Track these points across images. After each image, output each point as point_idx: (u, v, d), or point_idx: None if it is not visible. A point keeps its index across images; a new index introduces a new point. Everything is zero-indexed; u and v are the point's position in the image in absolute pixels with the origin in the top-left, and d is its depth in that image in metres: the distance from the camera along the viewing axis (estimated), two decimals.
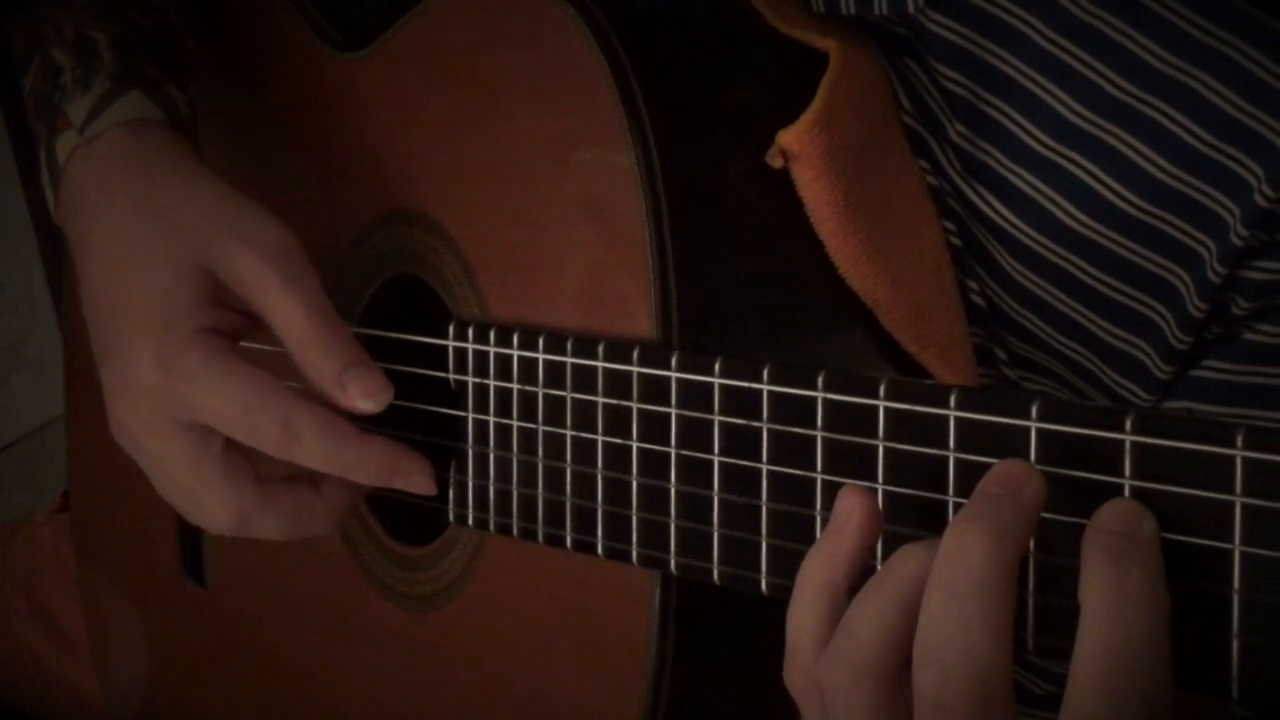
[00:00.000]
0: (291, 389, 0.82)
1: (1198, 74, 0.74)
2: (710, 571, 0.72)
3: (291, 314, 0.82)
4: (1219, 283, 0.74)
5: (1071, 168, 0.76)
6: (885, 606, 0.59)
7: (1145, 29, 0.74)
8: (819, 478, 0.68)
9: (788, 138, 0.76)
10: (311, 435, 0.81)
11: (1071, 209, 0.77)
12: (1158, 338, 0.77)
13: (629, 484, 0.75)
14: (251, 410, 0.81)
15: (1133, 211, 0.75)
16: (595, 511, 0.77)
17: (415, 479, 0.84)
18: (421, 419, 0.87)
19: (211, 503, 0.83)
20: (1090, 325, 0.79)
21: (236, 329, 0.85)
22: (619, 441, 0.76)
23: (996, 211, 0.79)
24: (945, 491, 0.63)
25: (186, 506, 0.85)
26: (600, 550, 0.77)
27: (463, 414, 0.84)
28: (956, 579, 0.56)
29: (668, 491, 0.74)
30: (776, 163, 0.77)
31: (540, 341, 0.79)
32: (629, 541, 0.76)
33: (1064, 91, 0.76)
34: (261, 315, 0.83)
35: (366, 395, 0.82)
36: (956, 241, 0.82)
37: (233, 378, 0.81)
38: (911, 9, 0.78)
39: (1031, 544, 0.61)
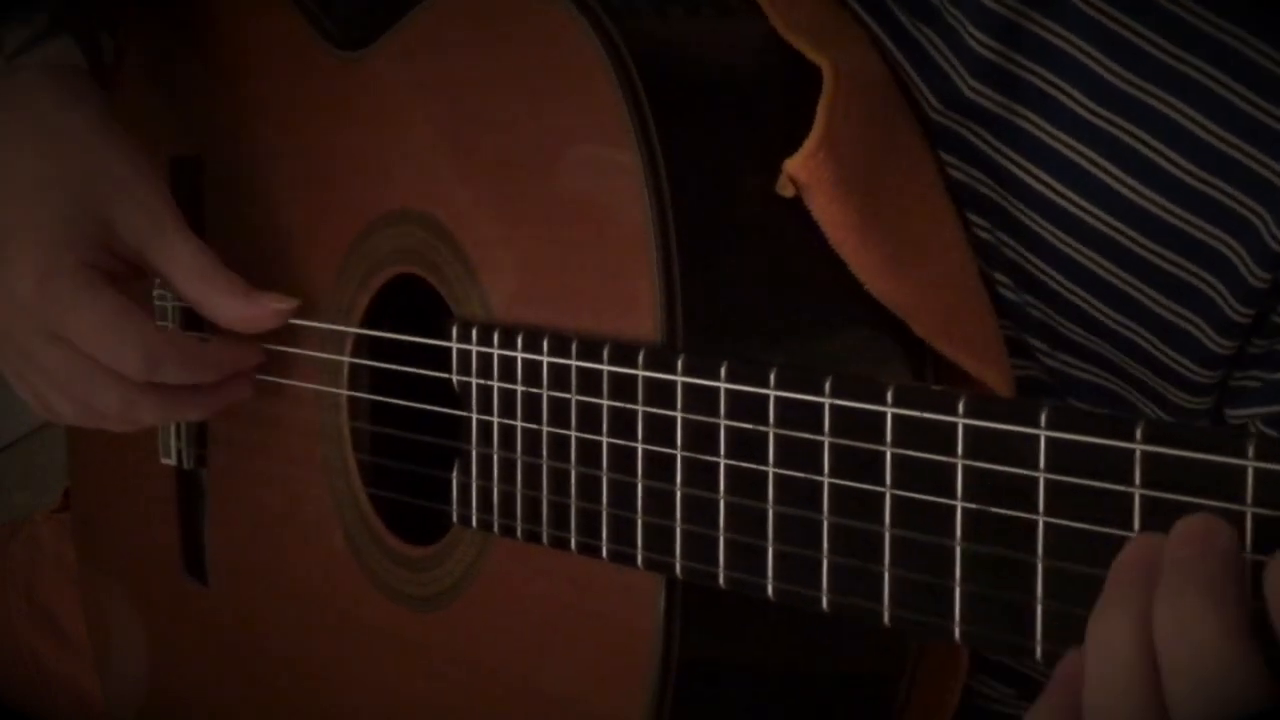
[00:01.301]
0: (152, 322, 0.92)
1: (1246, 37, 0.73)
2: (716, 576, 0.72)
3: (187, 256, 0.92)
4: None
5: (1121, 135, 0.75)
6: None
7: None
8: (825, 482, 0.68)
9: (794, 166, 0.76)
10: (173, 361, 0.91)
11: (1122, 175, 0.76)
12: (1209, 309, 0.76)
13: (634, 487, 0.75)
14: (117, 337, 0.89)
15: (1185, 179, 0.75)
16: (600, 514, 0.77)
17: (242, 388, 0.96)
18: (425, 419, 0.87)
19: (100, 396, 0.92)
20: (1141, 297, 0.78)
21: (117, 275, 0.92)
22: (624, 444, 0.75)
23: (1042, 181, 0.78)
24: (953, 497, 0.63)
25: (70, 401, 0.94)
26: (605, 553, 0.77)
27: (466, 414, 0.84)
28: (1195, 663, 0.53)
29: (673, 495, 0.73)
30: (787, 192, 0.76)
31: (544, 344, 0.79)
32: (634, 545, 0.75)
33: (1110, 58, 0.75)
34: (156, 265, 0.92)
35: (276, 300, 0.93)
36: (985, 235, 0.81)
37: (103, 306, 0.90)
38: None
39: (1040, 549, 0.60)
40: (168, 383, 0.91)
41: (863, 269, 0.77)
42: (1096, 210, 0.77)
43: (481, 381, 0.82)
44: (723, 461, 0.71)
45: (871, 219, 0.76)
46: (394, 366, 0.90)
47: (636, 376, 0.74)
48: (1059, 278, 0.79)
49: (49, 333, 0.90)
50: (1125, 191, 0.76)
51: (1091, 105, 0.76)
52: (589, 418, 0.77)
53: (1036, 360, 0.83)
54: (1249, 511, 0.55)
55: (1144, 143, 0.75)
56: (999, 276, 0.81)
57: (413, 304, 0.90)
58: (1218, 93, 0.74)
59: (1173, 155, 0.75)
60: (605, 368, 0.76)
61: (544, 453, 0.79)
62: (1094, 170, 0.76)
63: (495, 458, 0.82)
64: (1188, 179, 0.75)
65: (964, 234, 0.80)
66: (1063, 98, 0.77)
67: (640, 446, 0.75)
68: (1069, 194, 0.77)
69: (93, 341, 0.89)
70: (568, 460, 0.78)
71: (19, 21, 0.94)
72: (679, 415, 0.73)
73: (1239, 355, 0.77)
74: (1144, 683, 0.54)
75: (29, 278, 0.90)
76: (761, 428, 0.70)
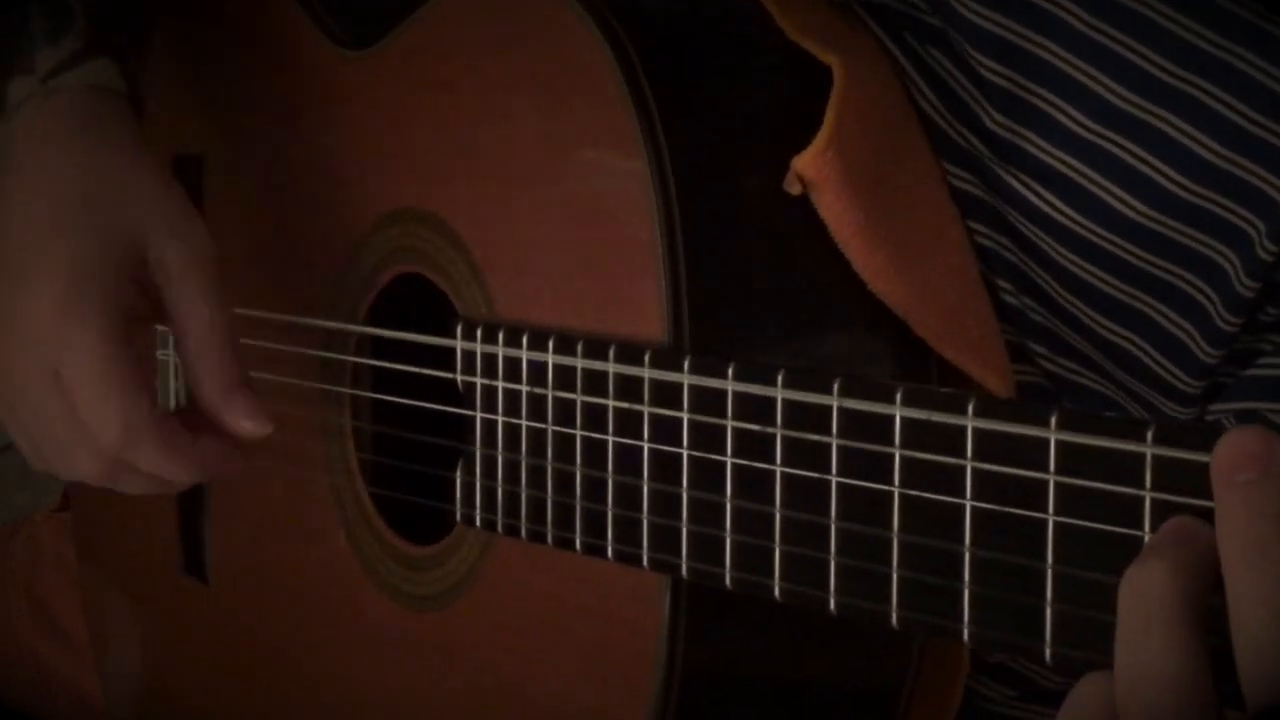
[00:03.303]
0: (149, 398, 0.86)
1: (1244, 53, 0.73)
2: (723, 577, 0.72)
3: (203, 319, 0.87)
4: (1270, 261, 0.74)
5: (1119, 152, 0.76)
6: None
7: (1189, 11, 0.74)
8: (834, 483, 0.68)
9: (802, 164, 0.76)
10: (150, 446, 0.86)
11: (1121, 193, 0.76)
12: (1203, 318, 0.77)
13: (640, 488, 0.75)
14: (105, 401, 0.84)
15: (1182, 194, 0.75)
16: (605, 515, 0.77)
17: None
18: (428, 418, 0.87)
19: (81, 459, 0.88)
20: (1140, 306, 0.78)
21: (138, 313, 0.88)
22: (630, 444, 0.75)
23: (1043, 199, 0.78)
24: (963, 499, 0.63)
25: (53, 452, 0.89)
26: (610, 554, 0.77)
27: (471, 414, 0.84)
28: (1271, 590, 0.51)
29: (679, 496, 0.73)
30: (794, 190, 0.76)
31: (550, 343, 0.78)
32: (639, 545, 0.75)
33: (1107, 76, 0.75)
34: (171, 309, 0.88)
35: (249, 415, 0.87)
36: (987, 243, 0.81)
37: (105, 363, 0.84)
38: None
39: (1050, 551, 0.60)
40: (140, 466, 0.87)
41: (867, 268, 0.77)
42: (1095, 226, 0.77)
43: (486, 381, 0.82)
44: (730, 462, 0.71)
45: (877, 219, 0.76)
46: (398, 366, 0.89)
47: (643, 377, 0.74)
48: (1058, 287, 0.79)
49: (51, 371, 0.86)
50: (1123, 208, 0.76)
51: (1090, 124, 0.76)
52: (595, 418, 0.77)
53: (1036, 365, 0.83)
54: None
55: (1142, 160, 0.75)
56: (1000, 282, 0.81)
57: (417, 303, 0.90)
58: (1216, 109, 0.74)
59: (1171, 172, 0.75)
60: (611, 368, 0.76)
61: (549, 453, 0.79)
62: (1092, 188, 0.77)
63: (500, 458, 0.82)
64: (1185, 194, 0.75)
65: (967, 238, 0.81)
66: (1061, 117, 0.77)
67: (646, 447, 0.75)
68: (1067, 210, 0.78)
69: (83, 396, 0.85)
70: (573, 461, 0.78)
71: (48, 44, 0.91)
72: (685, 416, 0.73)
73: (1238, 382, 0.78)
74: (1182, 625, 0.53)
75: (47, 308, 0.85)
76: (769, 429, 0.70)
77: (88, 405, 0.85)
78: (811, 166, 0.76)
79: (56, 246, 0.87)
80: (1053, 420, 0.60)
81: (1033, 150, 0.78)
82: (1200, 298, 0.77)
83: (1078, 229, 0.77)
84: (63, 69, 0.91)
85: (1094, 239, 0.77)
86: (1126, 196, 0.76)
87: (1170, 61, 0.74)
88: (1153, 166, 0.75)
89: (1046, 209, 0.78)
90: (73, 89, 0.91)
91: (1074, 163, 0.77)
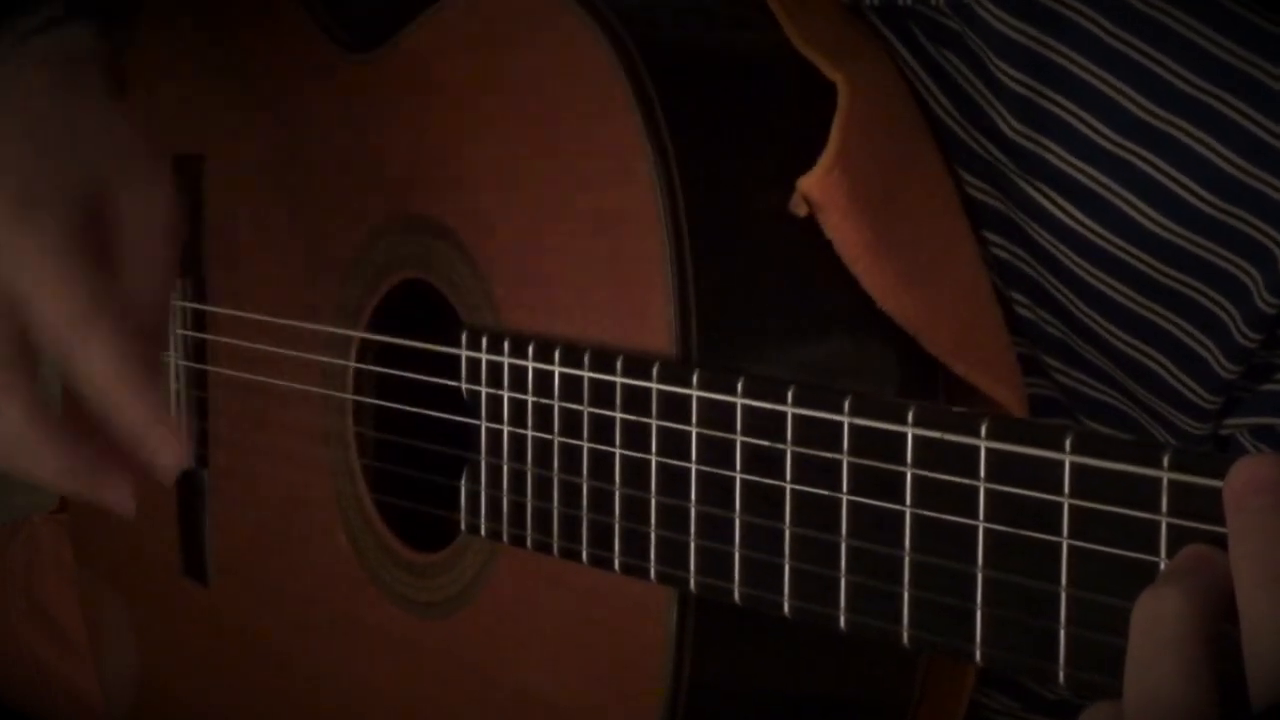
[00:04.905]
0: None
1: (1268, 66, 0.73)
2: (731, 592, 0.72)
3: (154, 295, 0.81)
4: None
5: (1140, 164, 0.75)
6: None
7: (1213, 22, 0.73)
8: (844, 501, 0.67)
9: (807, 185, 0.75)
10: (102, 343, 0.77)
11: (1142, 205, 0.76)
12: (1222, 333, 0.77)
13: (647, 501, 0.75)
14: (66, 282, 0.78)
15: (1203, 208, 0.75)
16: (612, 527, 0.76)
17: (109, 494, 0.81)
18: (433, 426, 0.87)
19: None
20: (1158, 320, 0.78)
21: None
22: (637, 457, 0.75)
23: (1062, 209, 0.78)
24: (976, 519, 0.63)
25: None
26: (617, 566, 0.76)
27: (476, 423, 0.83)
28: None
29: (687, 510, 0.73)
30: (801, 211, 0.76)
31: (556, 354, 0.78)
32: (647, 558, 0.75)
33: (1130, 87, 0.75)
34: (117, 263, 0.82)
35: (173, 452, 0.79)
36: (1003, 254, 0.81)
37: (68, 253, 0.78)
38: None
39: (1064, 575, 0.60)
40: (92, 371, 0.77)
41: (875, 287, 0.76)
42: (1115, 238, 0.77)
43: (492, 390, 0.82)
44: (739, 477, 0.71)
45: (885, 237, 0.76)
46: (401, 373, 0.89)
47: (650, 389, 0.74)
48: (1075, 300, 0.79)
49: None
50: (1145, 221, 0.76)
51: (1113, 135, 0.76)
52: (601, 430, 0.76)
53: (1050, 378, 0.82)
54: None
55: (1165, 173, 0.75)
56: (1015, 294, 0.81)
57: (420, 310, 0.89)
58: (1239, 123, 0.73)
59: (1193, 185, 0.75)
60: (619, 380, 0.75)
61: (555, 464, 0.79)
62: (1114, 199, 0.76)
63: (505, 467, 0.82)
64: (1207, 208, 0.75)
65: (979, 251, 0.80)
66: (1084, 128, 0.76)
67: (654, 460, 0.74)
68: (1088, 222, 0.77)
69: (39, 288, 0.77)
70: (579, 472, 0.77)
71: (31, 7, 0.89)
72: (694, 430, 0.72)
73: (1254, 398, 0.77)
74: (1193, 651, 0.52)
75: None
76: (779, 445, 0.69)
77: (42, 295, 0.78)
78: (817, 188, 0.75)
79: (6, 181, 0.82)
80: (1068, 443, 0.59)
81: (1053, 160, 0.77)
82: (1220, 313, 0.76)
83: (1097, 241, 0.77)
84: (41, 30, 0.89)
85: (1114, 251, 0.77)
86: (1147, 209, 0.76)
87: (1193, 73, 0.74)
88: (1174, 179, 0.75)
89: (1066, 220, 0.77)
90: (47, 44, 0.88)
91: (1095, 174, 0.76)
